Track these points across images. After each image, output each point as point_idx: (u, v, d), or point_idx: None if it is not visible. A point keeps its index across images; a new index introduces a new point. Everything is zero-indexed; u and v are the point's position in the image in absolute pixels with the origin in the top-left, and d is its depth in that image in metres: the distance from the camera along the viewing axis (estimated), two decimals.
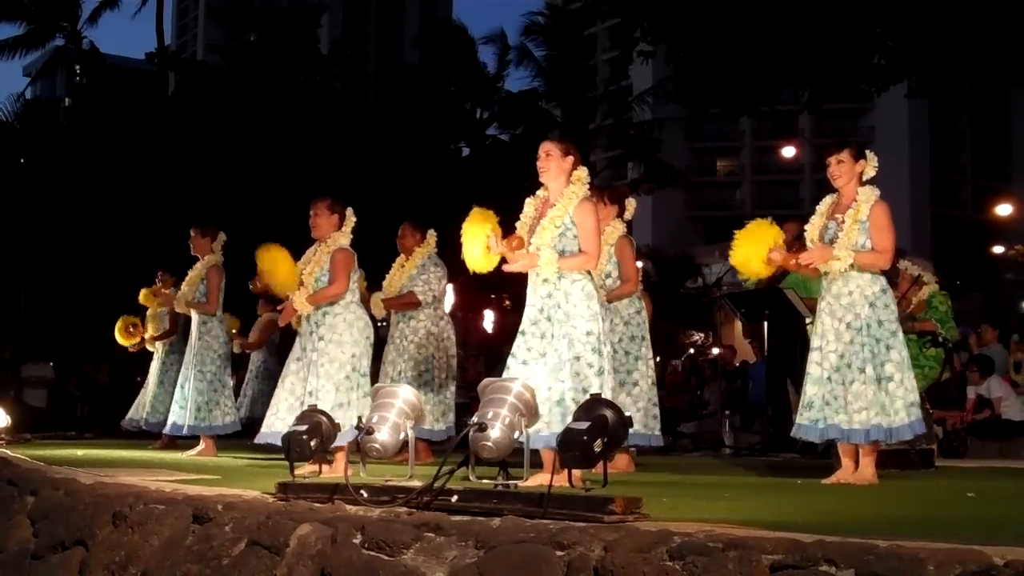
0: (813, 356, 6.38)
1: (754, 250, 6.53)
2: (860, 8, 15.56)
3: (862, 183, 6.45)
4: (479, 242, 5.85)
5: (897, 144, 61.82)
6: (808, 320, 8.49)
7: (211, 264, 9.89)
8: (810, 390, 6.35)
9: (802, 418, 6.36)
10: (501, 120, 33.18)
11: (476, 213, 5.94)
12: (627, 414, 4.65)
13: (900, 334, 6.22)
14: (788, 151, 39.26)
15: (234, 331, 11.87)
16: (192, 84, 30.26)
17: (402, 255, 9.09)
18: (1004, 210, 36.75)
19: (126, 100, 27.75)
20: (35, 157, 25.15)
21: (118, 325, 11.90)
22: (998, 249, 42.94)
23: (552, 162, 5.96)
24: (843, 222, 6.31)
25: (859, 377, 6.14)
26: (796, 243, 6.77)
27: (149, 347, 11.69)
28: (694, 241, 56.97)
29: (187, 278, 10.05)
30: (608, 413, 4.52)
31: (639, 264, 11.64)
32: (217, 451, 9.80)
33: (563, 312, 5.71)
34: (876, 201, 6.31)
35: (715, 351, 13.22)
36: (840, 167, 6.43)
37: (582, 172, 5.98)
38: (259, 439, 7.49)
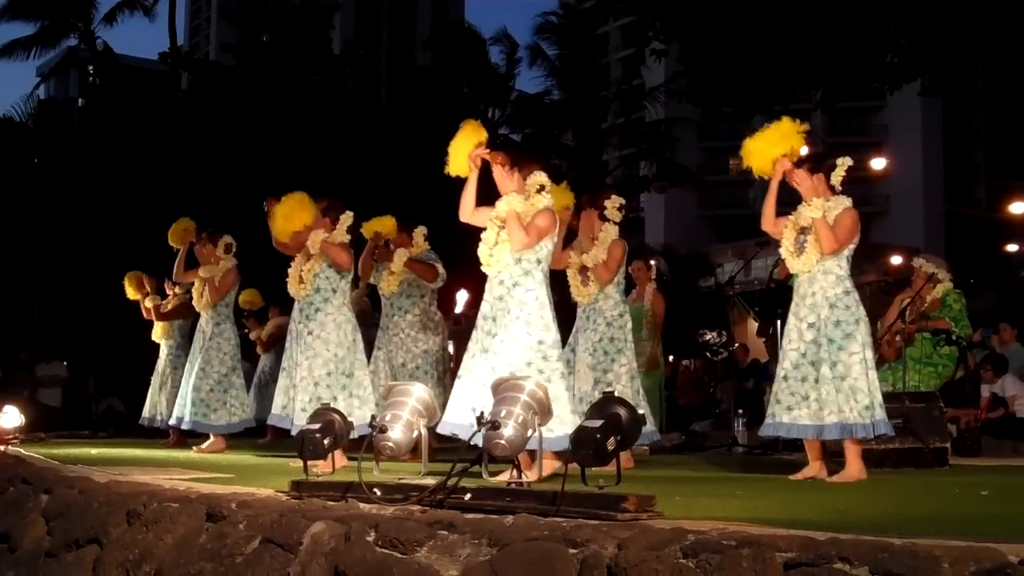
0: (779, 356, 6.65)
1: (770, 147, 6.75)
2: (873, 6, 15.53)
3: (834, 191, 6.60)
4: (465, 147, 6.26)
5: (910, 142, 61.68)
6: None
7: (226, 268, 10.07)
8: (775, 387, 6.58)
9: (768, 416, 6.57)
10: (513, 120, 33.17)
11: (471, 126, 6.36)
12: (640, 412, 4.66)
13: (859, 336, 6.32)
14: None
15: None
16: (205, 84, 30.30)
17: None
18: (1018, 209, 36.61)
19: (139, 100, 27.80)
20: (49, 158, 25.21)
21: (129, 276, 11.69)
22: (1012, 248, 42.80)
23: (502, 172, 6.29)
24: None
25: (815, 374, 6.32)
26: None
27: (147, 314, 11.55)
28: (707, 240, 56.87)
29: (197, 282, 10.20)
30: (621, 411, 4.51)
31: (652, 262, 11.64)
32: (227, 447, 9.94)
33: (514, 318, 5.99)
34: (846, 207, 6.50)
35: (731, 346, 13.21)
36: (802, 182, 6.62)
37: (536, 180, 6.25)
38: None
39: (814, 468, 6.48)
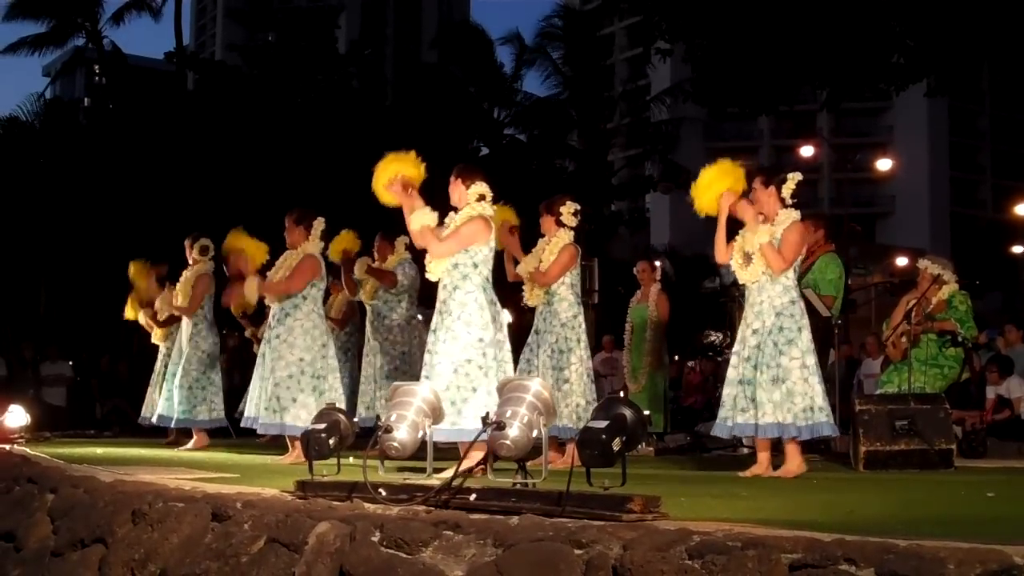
0: (731, 360, 7.00)
1: (712, 186, 6.97)
2: (879, 7, 15.51)
3: (785, 204, 6.94)
4: (387, 176, 6.53)
5: (916, 143, 61.56)
6: (826, 315, 8.51)
7: (200, 272, 10.30)
8: (724, 391, 6.93)
9: (718, 418, 6.93)
10: (519, 120, 33.16)
11: (396, 157, 6.62)
12: (646, 412, 4.66)
13: (800, 343, 6.67)
14: (807, 150, 39.10)
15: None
16: (211, 84, 30.32)
17: (378, 262, 9.77)
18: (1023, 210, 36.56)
19: (145, 100, 27.83)
20: (55, 157, 25.23)
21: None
22: (1017, 249, 42.70)
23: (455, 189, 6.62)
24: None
25: (757, 378, 6.66)
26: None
27: (147, 327, 11.59)
28: (712, 241, 56.63)
29: (179, 285, 10.46)
30: (626, 412, 4.51)
31: (657, 263, 11.68)
32: (208, 441, 10.37)
33: (455, 318, 6.32)
34: (793, 222, 6.86)
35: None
36: (755, 194, 6.98)
37: (476, 190, 6.53)
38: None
39: (762, 465, 6.77)
